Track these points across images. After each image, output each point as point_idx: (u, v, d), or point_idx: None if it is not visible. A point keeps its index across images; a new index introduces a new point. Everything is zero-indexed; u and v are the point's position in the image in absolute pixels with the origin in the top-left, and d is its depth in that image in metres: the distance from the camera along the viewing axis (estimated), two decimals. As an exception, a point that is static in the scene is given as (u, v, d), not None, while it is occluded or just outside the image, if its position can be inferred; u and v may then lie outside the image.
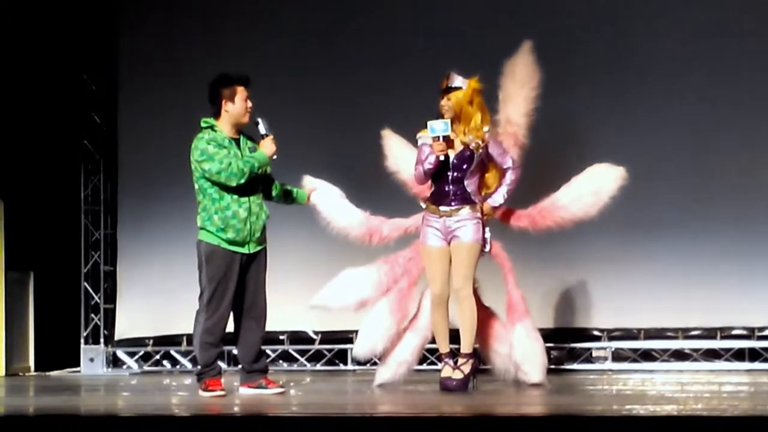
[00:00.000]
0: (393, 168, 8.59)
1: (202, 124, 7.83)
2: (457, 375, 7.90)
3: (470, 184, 7.94)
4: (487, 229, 7.99)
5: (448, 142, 7.86)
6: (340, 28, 10.26)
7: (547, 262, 9.54)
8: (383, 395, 7.98)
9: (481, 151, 7.90)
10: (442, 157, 7.84)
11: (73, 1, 10.59)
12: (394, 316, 8.33)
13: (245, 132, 7.93)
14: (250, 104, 7.84)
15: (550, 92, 8.50)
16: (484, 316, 8.20)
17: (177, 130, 8.37)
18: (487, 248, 7.99)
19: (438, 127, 7.82)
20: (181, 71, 10.26)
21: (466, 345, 7.93)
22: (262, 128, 7.88)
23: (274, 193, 8.07)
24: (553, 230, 8.34)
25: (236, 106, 7.80)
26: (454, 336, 8.04)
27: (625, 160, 8.24)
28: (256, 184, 7.82)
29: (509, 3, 9.99)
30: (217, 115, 7.83)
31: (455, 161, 7.91)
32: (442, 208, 7.94)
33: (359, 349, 8.46)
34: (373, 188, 8.75)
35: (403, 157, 8.51)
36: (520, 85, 8.40)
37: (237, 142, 7.84)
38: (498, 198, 8.07)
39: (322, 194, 8.33)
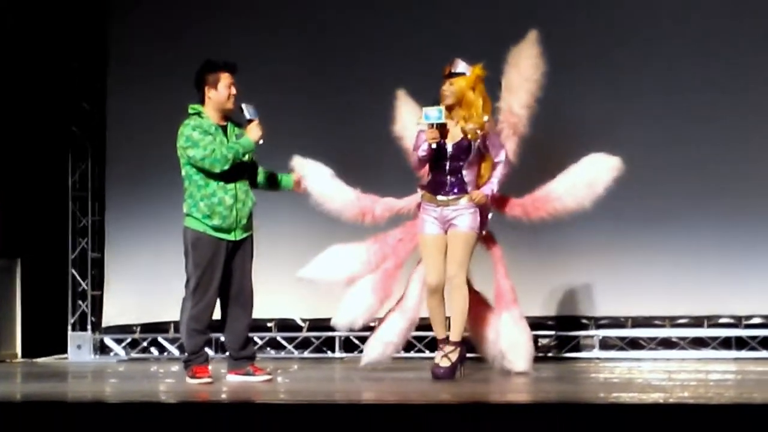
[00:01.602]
0: (399, 133, 8.54)
1: (190, 110, 7.81)
2: (444, 363, 7.89)
3: (468, 174, 7.90)
4: (489, 214, 8.04)
5: (443, 129, 7.82)
6: (340, 17, 10.19)
7: (535, 250, 9.52)
8: (370, 383, 7.99)
9: (478, 140, 7.87)
10: (434, 145, 7.81)
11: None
12: (376, 295, 8.31)
13: (234, 119, 7.90)
14: (234, 91, 7.79)
15: (549, 81, 8.39)
16: (474, 301, 8.16)
17: (166, 118, 8.31)
18: (484, 230, 8.02)
19: (432, 114, 7.77)
20: (171, 59, 10.19)
21: (455, 333, 7.91)
22: (247, 113, 7.83)
23: (259, 180, 8.03)
24: (546, 221, 8.34)
25: (219, 92, 7.76)
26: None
27: (616, 148, 8.21)
28: (242, 170, 7.80)
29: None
30: (202, 101, 7.81)
31: (453, 151, 7.87)
32: (439, 197, 7.91)
33: (339, 319, 8.45)
34: (372, 177, 8.69)
35: (411, 125, 8.40)
36: (524, 78, 8.25)
37: (224, 129, 7.82)
38: (486, 190, 7.96)
39: (313, 176, 8.25)
